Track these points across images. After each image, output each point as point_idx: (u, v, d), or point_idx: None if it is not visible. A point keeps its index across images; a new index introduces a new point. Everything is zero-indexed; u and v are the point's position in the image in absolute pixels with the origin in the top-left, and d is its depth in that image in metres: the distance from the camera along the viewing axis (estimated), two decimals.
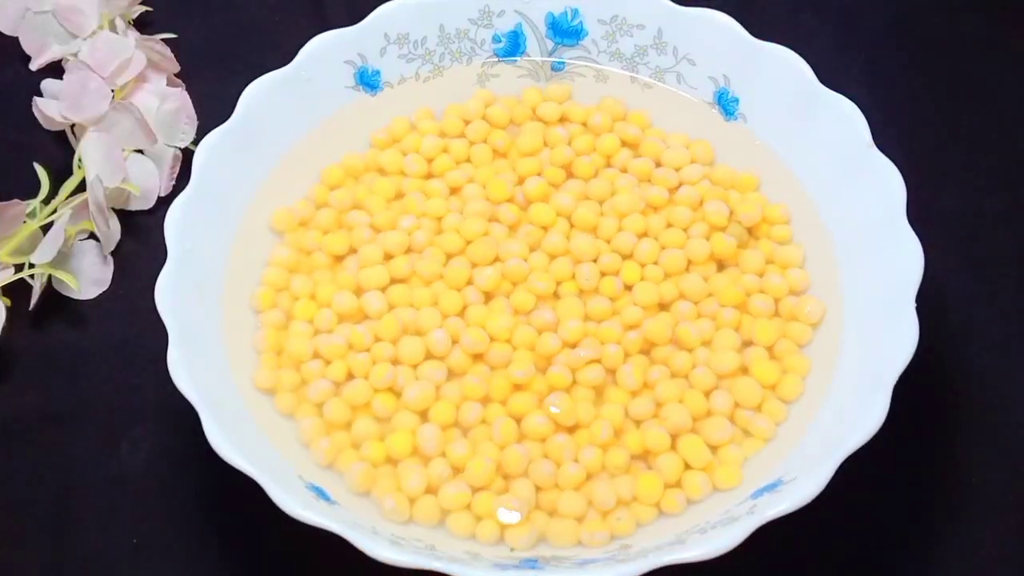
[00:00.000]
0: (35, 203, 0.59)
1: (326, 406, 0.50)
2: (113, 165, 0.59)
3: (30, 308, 0.57)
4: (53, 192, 0.59)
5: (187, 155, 0.62)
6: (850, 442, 0.44)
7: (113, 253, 0.60)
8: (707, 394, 0.50)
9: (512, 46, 0.59)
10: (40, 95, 0.63)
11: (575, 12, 0.58)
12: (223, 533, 0.52)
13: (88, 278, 0.59)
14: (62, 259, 0.58)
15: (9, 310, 0.57)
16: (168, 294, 0.48)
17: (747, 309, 0.52)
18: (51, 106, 0.62)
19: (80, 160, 0.60)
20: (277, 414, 0.50)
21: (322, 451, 0.49)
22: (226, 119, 0.53)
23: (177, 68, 0.65)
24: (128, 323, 0.57)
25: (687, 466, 0.48)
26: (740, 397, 0.50)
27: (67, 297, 0.58)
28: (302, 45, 0.56)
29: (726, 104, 0.57)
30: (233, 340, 0.51)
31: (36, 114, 0.63)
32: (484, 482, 0.48)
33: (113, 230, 0.60)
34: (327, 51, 0.56)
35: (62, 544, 0.52)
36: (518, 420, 0.49)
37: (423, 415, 0.50)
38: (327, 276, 0.54)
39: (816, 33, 0.69)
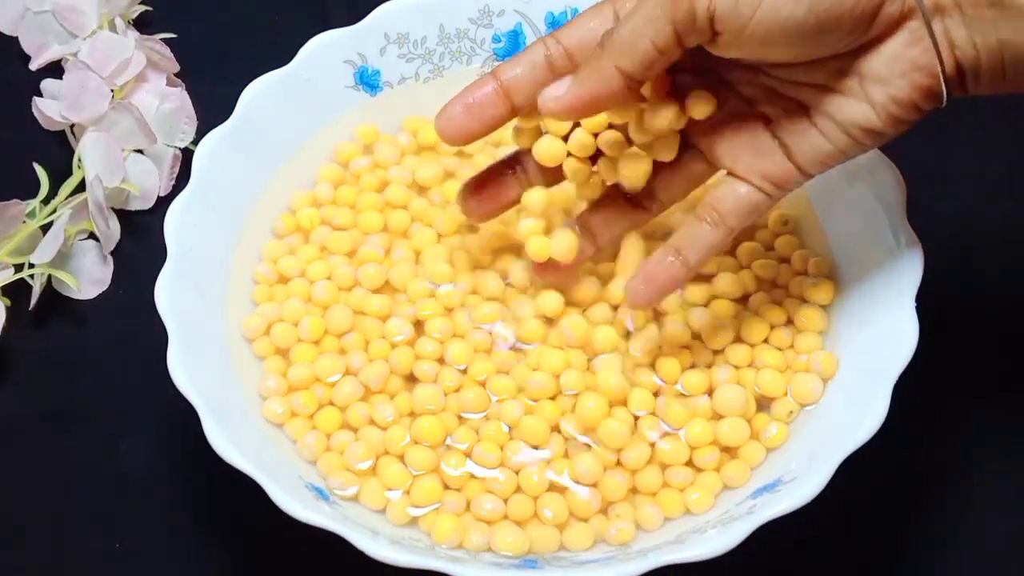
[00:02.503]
0: (35, 203, 0.59)
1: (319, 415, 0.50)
2: (113, 165, 0.59)
3: (30, 308, 0.57)
4: (53, 192, 0.59)
5: (187, 155, 0.62)
6: (850, 442, 0.44)
7: (113, 253, 0.60)
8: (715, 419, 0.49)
9: (512, 46, 0.59)
10: (40, 95, 0.63)
11: (575, 12, 0.58)
12: (223, 533, 0.52)
13: (88, 278, 0.59)
14: (62, 259, 0.58)
15: (9, 310, 0.57)
16: (168, 294, 0.48)
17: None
18: (51, 106, 0.62)
19: (80, 160, 0.60)
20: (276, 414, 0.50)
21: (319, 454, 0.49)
22: (226, 119, 0.54)
23: (177, 68, 0.65)
24: (128, 323, 0.57)
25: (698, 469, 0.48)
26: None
27: (67, 297, 0.58)
28: (302, 45, 0.56)
29: None
30: (233, 340, 0.51)
31: (36, 114, 0.63)
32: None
33: (113, 230, 0.60)
34: (327, 51, 0.56)
35: (62, 544, 0.52)
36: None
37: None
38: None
39: None
